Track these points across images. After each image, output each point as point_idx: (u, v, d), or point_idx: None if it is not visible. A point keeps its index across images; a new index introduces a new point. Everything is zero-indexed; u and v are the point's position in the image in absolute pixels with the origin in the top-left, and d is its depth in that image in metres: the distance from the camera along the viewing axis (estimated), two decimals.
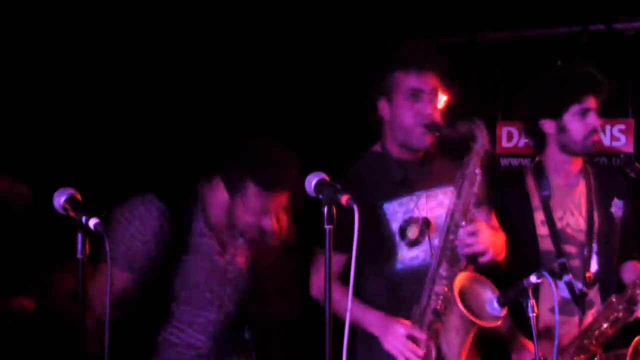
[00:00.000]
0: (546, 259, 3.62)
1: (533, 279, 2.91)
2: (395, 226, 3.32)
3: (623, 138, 5.30)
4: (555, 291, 3.01)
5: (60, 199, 2.73)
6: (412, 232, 3.32)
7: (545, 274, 2.91)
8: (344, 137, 5.43)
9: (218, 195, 3.20)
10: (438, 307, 3.18)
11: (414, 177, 3.37)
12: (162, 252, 3.14)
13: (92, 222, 2.64)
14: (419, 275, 3.26)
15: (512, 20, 5.39)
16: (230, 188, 3.17)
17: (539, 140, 3.75)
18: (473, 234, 3.15)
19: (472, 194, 3.22)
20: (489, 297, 3.09)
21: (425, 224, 3.32)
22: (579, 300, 3.60)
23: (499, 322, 3.10)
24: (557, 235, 3.63)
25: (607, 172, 3.89)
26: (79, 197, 2.74)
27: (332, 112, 5.53)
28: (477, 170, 3.22)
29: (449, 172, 3.35)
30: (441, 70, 3.36)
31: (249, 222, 3.16)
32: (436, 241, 3.30)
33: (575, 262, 3.64)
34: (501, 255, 3.30)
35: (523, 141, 5.48)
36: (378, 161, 3.42)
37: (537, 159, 3.79)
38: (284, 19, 5.29)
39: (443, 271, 3.19)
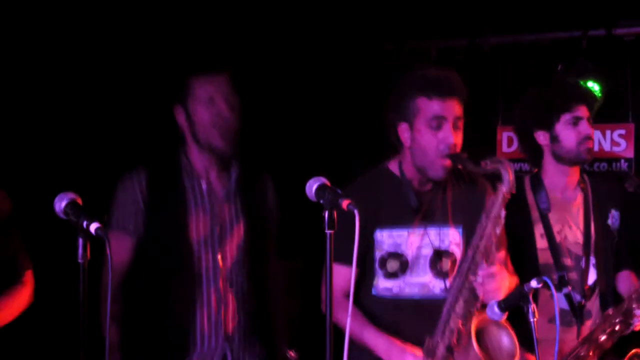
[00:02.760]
0: (545, 272, 3.64)
1: (534, 283, 2.91)
2: (378, 255, 3.31)
3: (623, 143, 5.30)
4: (556, 297, 3.00)
5: (61, 204, 2.73)
6: (391, 266, 3.31)
7: (546, 278, 2.91)
8: (340, 139, 5.44)
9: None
10: (451, 343, 3.15)
11: (421, 208, 3.32)
12: (162, 211, 3.39)
13: (93, 227, 2.65)
14: (392, 307, 3.29)
15: (512, 25, 5.40)
16: (179, 96, 3.44)
17: (535, 152, 3.76)
18: (492, 276, 3.13)
19: (495, 235, 3.16)
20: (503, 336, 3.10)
21: (405, 262, 3.30)
22: (578, 312, 3.63)
23: None
24: (556, 249, 3.66)
25: (604, 182, 3.89)
26: (79, 201, 2.75)
27: (331, 114, 5.53)
28: (502, 213, 3.16)
29: (459, 210, 3.33)
30: (464, 95, 3.27)
31: (203, 116, 3.40)
32: (414, 279, 3.30)
33: (574, 275, 3.67)
34: None
35: None
36: (392, 183, 3.36)
37: (534, 170, 3.80)
38: (283, 20, 5.29)
39: (459, 309, 3.16)
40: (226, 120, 3.41)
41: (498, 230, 3.17)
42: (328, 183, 2.77)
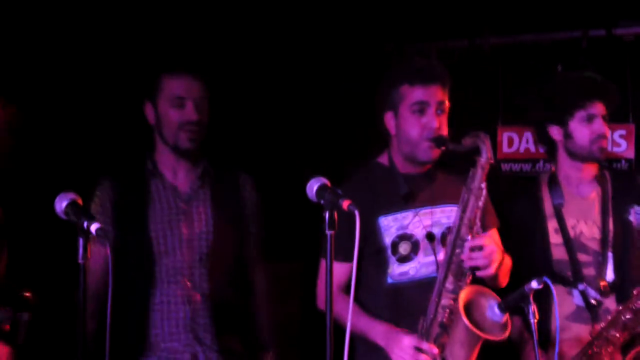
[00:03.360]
0: (559, 268, 3.62)
1: (534, 284, 2.91)
2: (387, 241, 3.33)
3: (624, 143, 5.28)
4: (555, 296, 3.01)
5: (61, 204, 2.75)
6: (404, 248, 3.32)
7: (546, 279, 2.91)
8: (340, 139, 5.43)
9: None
10: (444, 320, 3.18)
11: (417, 191, 3.37)
12: (127, 215, 3.43)
13: (94, 227, 2.66)
14: (407, 290, 3.30)
15: (512, 25, 5.39)
16: (149, 93, 3.47)
17: (550, 146, 3.73)
18: (478, 247, 3.14)
19: (478, 208, 3.21)
20: (491, 305, 3.10)
21: (415, 242, 3.31)
22: (594, 309, 3.57)
23: (505, 335, 3.09)
24: (570, 244, 3.61)
25: (625, 178, 3.86)
26: (80, 202, 2.76)
27: (331, 115, 5.52)
28: (483, 185, 3.21)
29: (452, 189, 3.35)
30: (447, 81, 3.34)
31: (170, 116, 3.42)
32: (425, 259, 3.32)
33: (590, 271, 3.62)
34: (504, 279, 3.33)
35: (524, 146, 5.46)
36: (383, 173, 3.42)
37: (552, 168, 3.77)
38: (283, 21, 5.29)
39: (449, 284, 3.20)
40: (193, 123, 3.43)
41: (480, 203, 3.21)
42: (328, 183, 2.79)
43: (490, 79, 5.40)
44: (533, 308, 2.91)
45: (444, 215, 3.37)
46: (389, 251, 3.33)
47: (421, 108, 3.29)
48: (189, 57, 3.61)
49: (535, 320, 2.91)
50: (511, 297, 3.03)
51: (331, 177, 2.82)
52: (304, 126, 5.42)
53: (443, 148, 3.29)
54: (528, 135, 5.44)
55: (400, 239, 3.33)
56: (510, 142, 5.42)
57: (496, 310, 3.08)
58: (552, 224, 3.67)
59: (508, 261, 3.34)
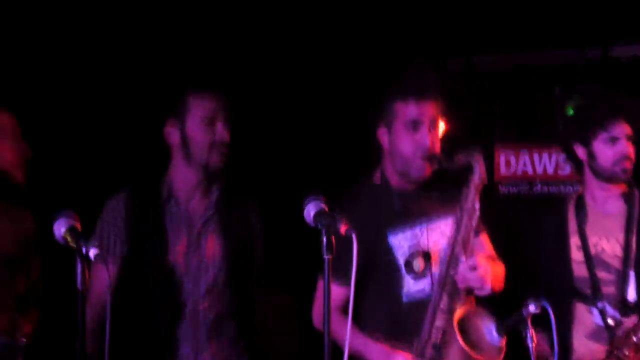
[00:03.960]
0: (580, 285, 3.57)
1: (531, 308, 2.90)
2: (401, 259, 3.31)
3: None
4: (553, 320, 2.99)
5: (60, 229, 2.74)
6: (418, 266, 3.31)
7: (544, 302, 2.91)
8: (343, 159, 5.45)
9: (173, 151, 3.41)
10: (438, 341, 3.16)
11: (414, 208, 3.35)
12: (139, 236, 3.36)
13: (93, 253, 2.66)
14: (424, 308, 3.24)
15: (509, 46, 5.42)
16: (173, 112, 3.38)
17: (577, 164, 3.70)
18: (473, 268, 3.14)
19: (471, 227, 3.21)
20: (488, 328, 3.09)
21: (427, 258, 3.31)
22: (611, 329, 3.51)
23: (500, 357, 3.08)
24: (591, 261, 3.57)
25: None
26: (79, 226, 2.76)
27: (332, 135, 5.54)
28: (476, 204, 3.20)
29: (448, 202, 3.33)
30: (441, 98, 3.34)
31: (201, 136, 3.35)
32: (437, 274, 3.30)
33: (611, 289, 3.56)
34: (499, 287, 3.29)
35: (521, 168, 5.49)
36: (377, 192, 3.40)
37: (580, 190, 3.73)
38: (287, 39, 5.32)
39: (443, 305, 3.18)
40: (224, 142, 3.39)
41: (474, 223, 3.20)
42: (326, 208, 2.78)
43: (487, 99, 5.43)
44: (531, 332, 2.91)
45: (447, 228, 3.32)
46: (403, 270, 3.31)
47: (414, 125, 3.27)
48: (217, 77, 3.56)
49: (534, 344, 2.90)
50: (509, 320, 3.02)
51: (328, 197, 2.81)
52: (303, 143, 5.43)
53: (436, 166, 3.28)
54: (525, 156, 5.46)
55: (413, 256, 3.30)
56: (508, 164, 5.43)
57: (494, 333, 3.07)
58: (574, 241, 3.62)
59: (500, 268, 3.33)
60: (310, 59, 5.43)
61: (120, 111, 4.84)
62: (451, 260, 3.19)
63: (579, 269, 3.59)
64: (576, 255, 3.61)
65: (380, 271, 3.28)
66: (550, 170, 5.55)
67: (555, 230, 3.64)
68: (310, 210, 2.78)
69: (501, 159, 5.45)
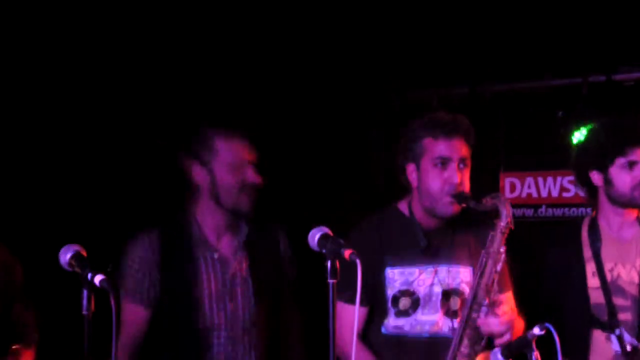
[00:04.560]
0: (597, 312, 3.57)
1: (536, 330, 2.90)
2: (389, 293, 3.32)
3: None
4: (558, 344, 2.99)
5: (66, 256, 2.76)
6: (403, 304, 3.32)
7: (549, 325, 2.90)
8: (342, 184, 5.47)
9: (200, 191, 3.33)
10: None
11: (430, 247, 3.33)
12: (173, 280, 3.27)
13: (98, 279, 2.67)
14: (397, 345, 3.28)
15: (512, 72, 5.44)
16: (199, 154, 3.29)
17: (591, 190, 3.72)
18: (495, 314, 3.13)
19: (496, 272, 3.18)
20: (492, 353, 3.09)
21: (413, 298, 3.31)
22: (631, 354, 3.50)
23: None
24: (607, 288, 3.57)
25: None
26: (84, 253, 2.78)
27: (333, 161, 5.56)
28: (502, 249, 3.18)
29: (467, 249, 3.34)
30: (471, 136, 3.33)
31: (230, 181, 3.26)
32: (425, 317, 3.30)
33: (627, 316, 3.56)
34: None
35: (526, 192, 5.50)
36: (401, 222, 3.39)
37: (593, 213, 3.76)
38: (288, 66, 5.35)
39: (464, 348, 3.17)
40: (254, 186, 3.31)
41: (499, 267, 3.18)
42: (330, 233, 2.80)
43: (492, 126, 5.45)
44: (536, 355, 2.90)
45: (453, 276, 3.34)
46: (390, 303, 3.33)
47: (443, 162, 3.25)
48: (244, 119, 3.43)
49: None
50: (514, 344, 3.02)
51: (333, 226, 2.83)
52: (305, 176, 5.45)
53: (464, 205, 3.25)
54: (530, 180, 5.48)
55: (401, 294, 3.32)
56: (513, 188, 5.45)
57: (499, 356, 3.07)
58: (590, 267, 3.62)
59: (520, 324, 3.31)
60: (312, 87, 5.46)
61: (128, 142, 4.87)
62: (474, 304, 3.18)
63: (595, 296, 3.59)
64: (592, 282, 3.61)
65: (373, 299, 3.30)
66: (554, 194, 5.56)
67: (571, 257, 3.64)
68: (314, 235, 2.79)
69: (506, 182, 5.46)
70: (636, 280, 3.59)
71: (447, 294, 3.34)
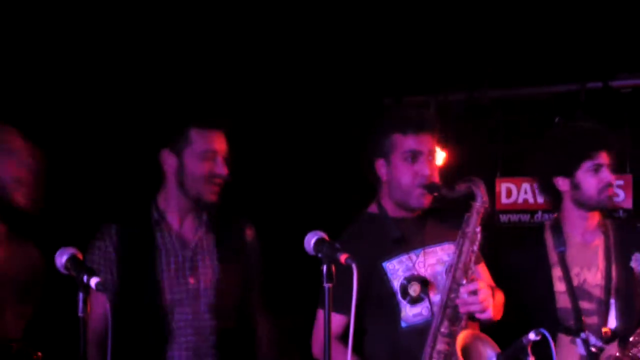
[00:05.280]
0: (563, 316, 3.61)
1: (531, 336, 2.91)
2: (396, 284, 3.33)
3: (622, 194, 5.32)
4: (553, 348, 3.00)
5: (61, 259, 2.77)
6: (414, 290, 3.32)
7: (543, 330, 2.91)
8: (341, 193, 5.46)
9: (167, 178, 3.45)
10: None
11: (411, 234, 3.38)
12: (131, 264, 3.40)
13: (94, 281, 2.68)
14: (423, 333, 3.25)
15: (510, 79, 5.45)
16: (173, 142, 3.41)
17: (555, 197, 3.76)
18: (474, 292, 3.16)
19: (473, 252, 3.22)
20: (489, 355, 3.09)
21: (424, 282, 3.33)
22: (594, 356, 3.54)
23: None
24: (573, 292, 3.61)
25: (626, 226, 3.87)
26: (80, 256, 2.79)
27: (329, 169, 5.56)
28: (478, 229, 3.23)
29: (446, 229, 3.37)
30: (438, 130, 3.39)
31: (199, 170, 3.38)
32: (436, 298, 3.31)
33: (594, 319, 3.61)
34: (498, 314, 3.30)
35: (522, 197, 5.51)
36: (375, 222, 3.43)
37: (555, 215, 3.80)
38: (283, 73, 5.36)
39: (444, 329, 3.18)
40: (221, 177, 3.42)
41: (475, 247, 3.22)
42: (326, 237, 2.81)
43: (489, 131, 5.45)
44: None
45: (444, 253, 3.37)
46: (399, 295, 3.32)
47: (413, 156, 3.32)
48: (219, 111, 3.55)
49: None
50: (510, 350, 3.03)
51: (327, 230, 2.84)
52: (302, 180, 5.45)
53: (436, 194, 3.32)
54: (526, 186, 5.48)
55: (408, 280, 3.31)
56: (509, 193, 5.45)
57: None
58: (556, 272, 3.67)
59: (500, 297, 3.34)
60: (309, 92, 5.47)
61: (104, 139, 4.87)
62: (452, 284, 3.20)
63: (562, 300, 3.64)
64: (558, 286, 3.65)
65: (376, 299, 3.29)
66: None
67: (536, 261, 3.67)
68: (310, 239, 2.80)
69: (502, 188, 5.47)
70: (601, 282, 3.64)
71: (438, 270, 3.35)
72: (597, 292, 3.63)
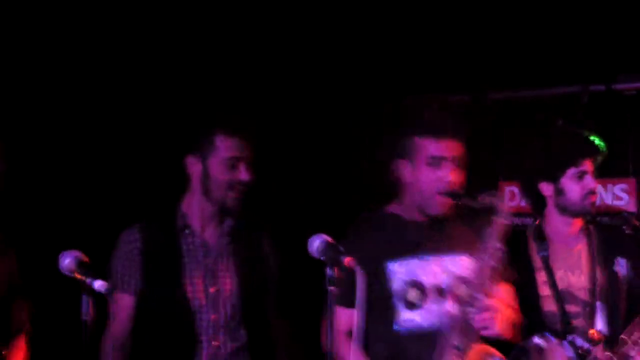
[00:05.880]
0: (550, 320, 3.62)
1: (536, 340, 2.91)
2: (395, 286, 3.32)
3: (625, 197, 5.31)
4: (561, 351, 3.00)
5: (65, 261, 2.77)
6: (411, 295, 3.31)
7: (548, 334, 2.91)
8: (343, 196, 5.46)
9: (192, 185, 3.48)
10: None
11: (425, 239, 3.35)
12: (155, 268, 3.42)
13: (98, 284, 2.68)
14: (422, 340, 3.25)
15: (513, 81, 5.44)
16: (198, 148, 3.43)
17: (538, 201, 3.79)
18: (488, 308, 3.14)
19: (491, 268, 3.19)
20: None
21: (420, 288, 3.30)
22: (583, 356, 3.56)
23: None
24: (559, 296, 3.64)
25: (609, 231, 3.88)
26: (85, 259, 2.78)
27: (333, 171, 5.56)
28: (498, 245, 3.20)
29: (463, 239, 3.34)
30: (463, 134, 3.35)
31: (223, 177, 3.40)
32: (435, 306, 3.29)
33: (580, 322, 3.64)
34: (509, 333, 3.28)
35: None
36: (390, 221, 3.40)
37: (537, 221, 3.82)
38: (288, 77, 5.35)
39: (455, 341, 3.17)
40: (245, 185, 3.44)
41: (494, 262, 3.19)
42: (330, 240, 2.80)
43: (492, 134, 5.44)
44: None
45: (453, 265, 3.33)
46: (396, 297, 3.31)
47: (437, 161, 3.27)
48: (245, 118, 3.56)
49: None
50: (513, 353, 3.03)
51: (332, 233, 2.84)
52: (304, 181, 5.45)
53: (457, 202, 3.28)
54: None
55: (408, 285, 3.30)
56: (512, 196, 5.43)
57: None
58: (540, 277, 3.70)
59: (515, 317, 3.34)
60: (311, 95, 5.47)
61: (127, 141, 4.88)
62: (468, 298, 3.18)
63: (547, 304, 3.66)
64: (543, 290, 3.67)
65: (376, 298, 3.26)
66: None
67: (520, 266, 3.65)
68: (314, 242, 2.80)
69: (506, 191, 5.45)
70: (586, 285, 3.67)
71: (454, 283, 3.30)
72: (582, 295, 3.67)
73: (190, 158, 3.47)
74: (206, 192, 3.44)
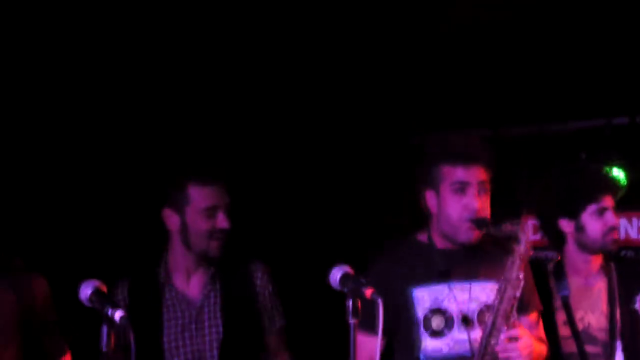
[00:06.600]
0: None
1: None
2: (420, 314, 3.29)
3: None
4: None
5: (86, 291, 2.76)
6: (437, 323, 3.28)
7: None
8: (365, 232, 5.45)
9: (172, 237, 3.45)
10: None
11: (453, 266, 3.31)
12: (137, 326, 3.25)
13: (117, 315, 2.67)
14: None
15: (535, 115, 5.43)
16: (173, 201, 3.41)
17: (557, 238, 3.75)
18: (514, 339, 3.11)
19: (515, 299, 3.16)
20: None
21: (446, 316, 3.27)
22: None
23: None
24: (578, 336, 3.60)
25: (629, 267, 3.84)
26: (104, 289, 2.78)
27: (357, 208, 5.55)
28: (521, 275, 3.17)
29: (490, 266, 3.31)
30: (489, 161, 3.34)
31: (202, 227, 3.38)
32: (460, 335, 3.25)
33: None
34: None
35: None
36: (420, 250, 3.38)
37: (558, 257, 3.78)
38: (307, 113, 5.37)
39: None
40: (224, 232, 3.42)
41: (518, 293, 3.16)
42: (351, 271, 2.79)
43: (514, 168, 5.43)
44: None
45: (482, 292, 3.30)
46: (422, 325, 3.28)
47: (462, 187, 3.25)
48: (216, 166, 3.56)
49: None
50: None
51: (353, 266, 2.82)
52: (326, 217, 5.44)
53: (483, 230, 3.26)
54: None
55: (433, 313, 3.28)
56: (535, 230, 5.39)
57: None
58: (560, 317, 3.67)
59: (542, 349, 3.32)
60: (335, 132, 5.48)
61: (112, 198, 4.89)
62: (492, 330, 3.15)
63: (567, 345, 3.63)
64: (563, 331, 3.64)
65: (402, 325, 3.26)
66: None
67: (542, 304, 3.62)
68: (335, 274, 2.79)
69: (529, 224, 5.41)
70: (604, 326, 3.63)
71: (481, 310, 3.29)
72: (602, 336, 3.63)
73: (167, 211, 3.46)
74: (187, 243, 3.43)
